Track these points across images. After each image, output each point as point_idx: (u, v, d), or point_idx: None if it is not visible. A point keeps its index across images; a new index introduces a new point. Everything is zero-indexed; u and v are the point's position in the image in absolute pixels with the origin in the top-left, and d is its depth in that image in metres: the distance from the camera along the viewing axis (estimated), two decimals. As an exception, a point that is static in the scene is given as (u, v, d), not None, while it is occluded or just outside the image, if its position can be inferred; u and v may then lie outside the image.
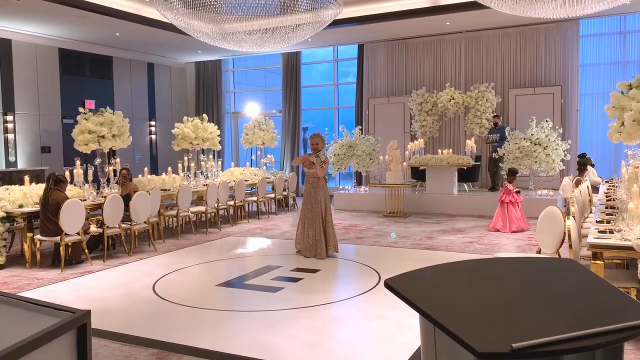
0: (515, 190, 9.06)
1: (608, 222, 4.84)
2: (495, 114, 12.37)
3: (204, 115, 11.98)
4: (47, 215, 6.83)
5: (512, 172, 9.35)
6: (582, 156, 9.86)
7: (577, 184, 8.37)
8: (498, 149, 11.43)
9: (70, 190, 7.61)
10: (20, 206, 7.17)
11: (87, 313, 1.43)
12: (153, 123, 15.60)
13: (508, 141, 11.01)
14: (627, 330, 1.53)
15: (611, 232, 4.29)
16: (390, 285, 1.77)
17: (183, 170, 10.22)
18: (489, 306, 1.69)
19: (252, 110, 15.72)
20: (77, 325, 1.41)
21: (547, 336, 1.45)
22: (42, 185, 7.42)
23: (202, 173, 10.77)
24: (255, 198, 11.10)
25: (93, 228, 7.62)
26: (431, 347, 1.74)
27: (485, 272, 1.97)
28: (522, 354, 1.41)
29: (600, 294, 1.78)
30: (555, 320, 1.59)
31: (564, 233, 4.61)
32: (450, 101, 12.65)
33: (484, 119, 12.41)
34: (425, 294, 1.75)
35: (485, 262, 2.11)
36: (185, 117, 11.83)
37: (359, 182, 13.63)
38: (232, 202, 10.39)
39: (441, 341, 1.67)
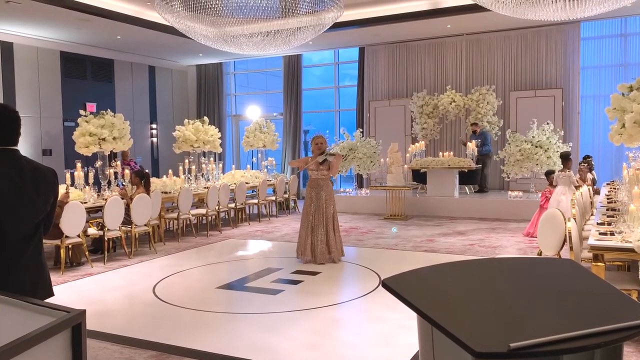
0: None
1: (609, 224, 4.82)
2: (473, 122, 12.33)
3: (205, 118, 11.98)
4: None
5: (550, 173, 8.97)
6: (585, 158, 9.81)
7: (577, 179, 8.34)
8: (483, 155, 11.52)
9: (71, 192, 7.60)
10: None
11: (82, 312, 1.43)
12: (154, 126, 15.61)
13: (490, 146, 11.15)
14: (626, 330, 1.51)
15: (612, 234, 4.27)
16: (388, 285, 1.76)
17: (184, 173, 10.23)
18: (487, 306, 1.68)
19: (253, 112, 15.73)
20: (72, 325, 1.40)
21: (545, 336, 1.44)
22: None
23: (203, 175, 10.77)
24: (256, 200, 11.10)
25: (93, 230, 7.62)
26: (429, 347, 1.73)
27: (484, 272, 1.96)
28: (520, 354, 1.39)
29: (599, 293, 1.77)
30: (554, 320, 1.58)
31: (565, 235, 4.60)
32: (451, 104, 12.65)
33: (484, 122, 12.40)
34: (423, 293, 1.74)
35: (484, 262, 2.10)
36: (186, 120, 11.84)
37: (360, 185, 13.62)
38: (232, 205, 10.39)
39: (439, 341, 1.66)
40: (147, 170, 9.29)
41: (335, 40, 13.31)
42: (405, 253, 7.73)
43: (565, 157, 8.57)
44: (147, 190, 8.11)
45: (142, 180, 8.13)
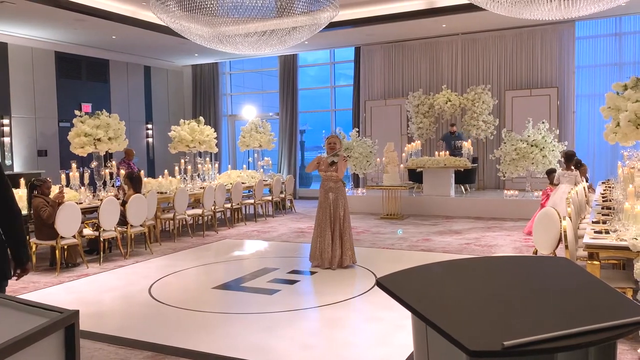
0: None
1: (604, 222, 4.83)
2: (451, 123, 12.62)
3: (201, 118, 11.97)
4: (39, 220, 6.80)
5: (551, 172, 8.84)
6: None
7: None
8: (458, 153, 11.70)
9: (66, 193, 7.57)
10: (16, 209, 7.12)
11: (75, 313, 1.42)
12: (150, 126, 15.58)
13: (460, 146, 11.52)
14: (620, 327, 1.52)
15: (607, 232, 4.28)
16: (382, 284, 1.76)
17: (180, 173, 10.21)
18: (481, 304, 1.68)
19: (249, 112, 15.71)
20: (65, 325, 1.39)
21: (539, 334, 1.44)
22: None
23: (198, 176, 10.75)
24: (252, 200, 11.08)
25: (88, 231, 7.60)
26: (423, 346, 1.73)
27: (478, 270, 1.96)
28: (514, 352, 1.40)
29: (593, 291, 1.77)
30: (548, 318, 1.58)
31: (561, 234, 4.61)
32: (446, 103, 12.66)
33: (480, 121, 12.42)
34: (418, 292, 1.74)
35: (478, 261, 2.10)
36: (181, 120, 11.82)
37: (356, 184, 13.62)
38: (229, 205, 10.37)
39: (433, 340, 1.66)
40: (137, 172, 9.18)
41: (331, 40, 13.31)
42: (402, 252, 7.74)
43: (570, 157, 8.55)
44: (137, 191, 8.05)
45: (131, 181, 8.12)
